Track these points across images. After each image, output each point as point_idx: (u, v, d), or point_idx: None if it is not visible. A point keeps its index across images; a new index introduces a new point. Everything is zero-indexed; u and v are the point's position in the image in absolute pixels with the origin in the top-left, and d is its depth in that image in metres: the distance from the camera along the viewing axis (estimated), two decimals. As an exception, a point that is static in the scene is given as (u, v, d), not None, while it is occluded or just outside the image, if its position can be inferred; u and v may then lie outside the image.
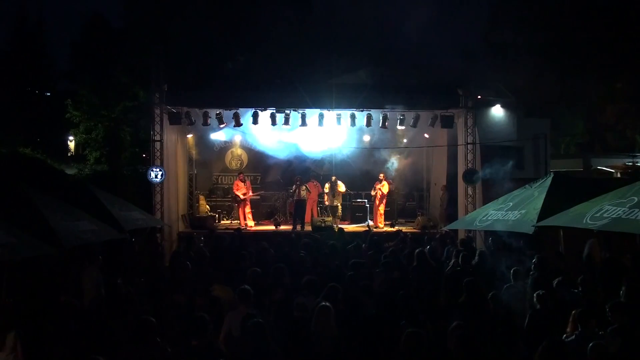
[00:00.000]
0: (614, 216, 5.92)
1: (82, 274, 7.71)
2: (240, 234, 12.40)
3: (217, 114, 14.02)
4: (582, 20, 26.98)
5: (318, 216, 15.67)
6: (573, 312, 5.56)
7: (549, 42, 27.72)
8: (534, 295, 6.33)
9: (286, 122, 14.16)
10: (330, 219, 15.16)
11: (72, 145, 36.09)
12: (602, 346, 4.67)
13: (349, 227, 15.10)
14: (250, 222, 15.78)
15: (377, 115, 14.23)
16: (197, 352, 4.83)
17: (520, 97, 23.43)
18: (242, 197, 15.61)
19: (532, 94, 24.40)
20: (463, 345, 4.62)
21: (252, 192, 16.13)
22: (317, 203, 16.67)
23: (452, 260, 8.97)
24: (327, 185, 16.10)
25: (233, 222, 16.77)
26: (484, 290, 6.53)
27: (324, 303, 5.59)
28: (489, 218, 9.22)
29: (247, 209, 15.83)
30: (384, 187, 15.63)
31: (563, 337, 5.37)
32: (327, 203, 16.22)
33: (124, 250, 9.83)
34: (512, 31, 29.19)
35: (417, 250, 8.79)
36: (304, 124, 14.16)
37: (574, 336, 5.25)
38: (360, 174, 17.34)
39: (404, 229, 14.80)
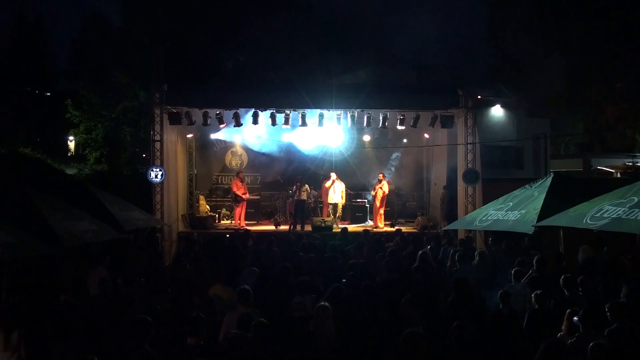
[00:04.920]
0: (614, 216, 5.91)
1: (89, 274, 7.70)
2: (248, 233, 12.36)
3: (217, 114, 14.01)
4: (582, 21, 26.97)
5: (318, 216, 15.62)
6: (567, 311, 5.56)
7: (549, 42, 27.72)
8: (532, 295, 6.33)
9: (286, 122, 14.14)
10: (330, 219, 15.14)
11: (72, 145, 36.14)
12: (602, 346, 4.66)
13: (349, 228, 15.06)
14: (243, 222, 15.69)
15: (377, 115, 14.23)
16: (194, 352, 4.83)
17: (520, 97, 23.43)
18: (242, 197, 15.60)
19: (532, 94, 24.40)
20: (457, 344, 4.63)
21: (248, 193, 16.04)
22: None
23: (449, 262, 8.98)
24: (328, 184, 15.92)
25: (233, 222, 16.71)
26: (474, 289, 6.53)
27: (323, 303, 5.58)
28: (489, 218, 9.21)
29: (244, 209, 15.77)
30: (384, 187, 15.61)
31: (558, 336, 5.37)
32: (329, 201, 15.96)
33: (126, 250, 9.84)
34: (512, 31, 29.19)
35: (420, 252, 8.79)
36: (304, 124, 14.16)
37: (575, 337, 5.24)
38: (360, 174, 17.32)
39: (403, 228, 14.80)
